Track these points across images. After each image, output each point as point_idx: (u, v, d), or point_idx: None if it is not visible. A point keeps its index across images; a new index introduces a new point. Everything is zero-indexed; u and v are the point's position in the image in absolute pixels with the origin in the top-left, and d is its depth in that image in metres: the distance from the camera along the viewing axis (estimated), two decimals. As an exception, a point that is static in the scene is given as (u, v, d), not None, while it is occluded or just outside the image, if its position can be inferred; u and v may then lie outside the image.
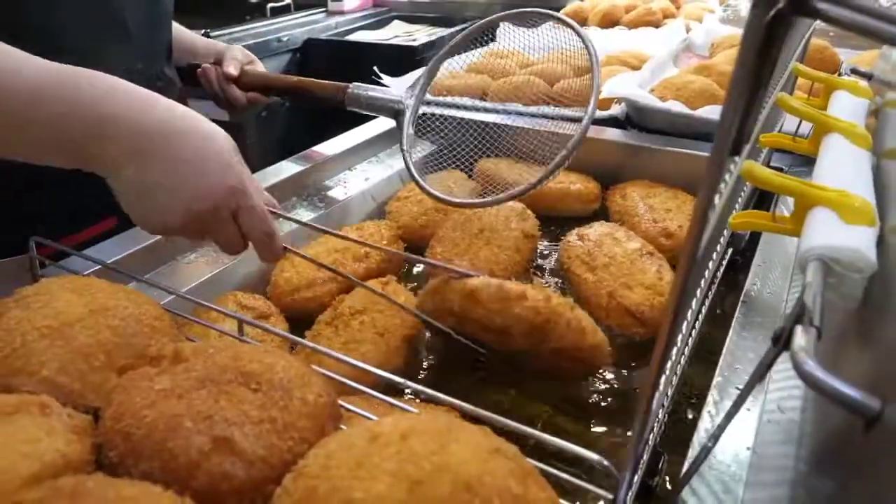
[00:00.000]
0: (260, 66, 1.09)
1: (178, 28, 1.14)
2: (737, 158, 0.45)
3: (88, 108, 0.53)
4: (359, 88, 0.90)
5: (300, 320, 0.75)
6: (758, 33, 0.28)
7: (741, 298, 0.72)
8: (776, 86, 0.69)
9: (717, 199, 0.39)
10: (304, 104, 1.02)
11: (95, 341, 0.47)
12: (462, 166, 0.98)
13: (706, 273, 0.63)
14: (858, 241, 0.43)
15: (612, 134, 1.14)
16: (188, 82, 1.08)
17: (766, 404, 0.58)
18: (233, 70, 1.03)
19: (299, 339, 0.52)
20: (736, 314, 0.69)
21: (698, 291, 0.63)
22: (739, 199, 0.71)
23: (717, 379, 0.60)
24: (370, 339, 0.63)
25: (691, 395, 0.69)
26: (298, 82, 0.98)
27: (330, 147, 1.11)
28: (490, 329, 0.57)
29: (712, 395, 0.58)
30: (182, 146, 0.55)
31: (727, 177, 0.42)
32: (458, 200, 0.78)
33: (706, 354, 0.75)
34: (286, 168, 1.03)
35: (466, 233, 0.81)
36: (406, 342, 0.65)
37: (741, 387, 0.59)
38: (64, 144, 0.53)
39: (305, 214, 0.95)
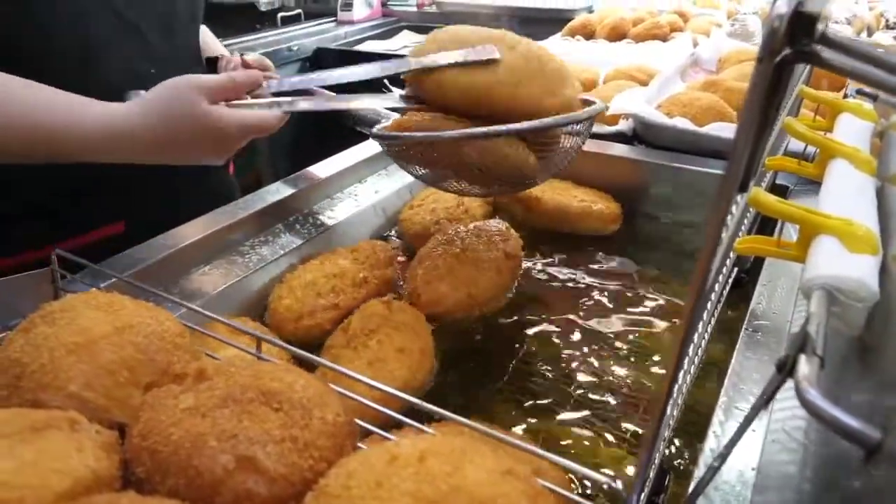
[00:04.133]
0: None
1: (210, 38, 1.16)
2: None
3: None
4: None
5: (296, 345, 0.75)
6: (764, 81, 0.29)
7: (746, 317, 0.74)
8: (783, 109, 0.70)
9: (724, 234, 0.41)
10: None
11: (120, 358, 0.48)
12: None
13: (712, 296, 0.64)
14: (861, 270, 0.45)
15: (622, 150, 1.15)
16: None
17: (771, 424, 0.59)
18: (252, 61, 1.04)
19: (324, 362, 0.53)
20: (741, 334, 0.70)
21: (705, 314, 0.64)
22: (745, 221, 0.73)
23: (721, 399, 0.61)
24: (393, 356, 0.64)
25: (697, 412, 0.70)
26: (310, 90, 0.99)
27: (339, 161, 1.13)
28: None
29: (717, 416, 0.59)
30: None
31: (733, 208, 0.43)
32: (451, 132, 0.69)
33: (711, 368, 0.77)
34: (294, 183, 1.05)
35: (448, 253, 0.81)
36: (425, 356, 0.67)
37: (746, 407, 0.60)
38: None
39: (315, 228, 0.97)
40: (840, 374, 0.52)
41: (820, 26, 0.30)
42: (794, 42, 0.29)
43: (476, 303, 0.77)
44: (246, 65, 1.04)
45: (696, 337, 0.58)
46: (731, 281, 0.82)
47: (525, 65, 0.70)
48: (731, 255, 0.68)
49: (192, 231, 0.87)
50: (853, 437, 0.33)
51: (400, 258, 0.97)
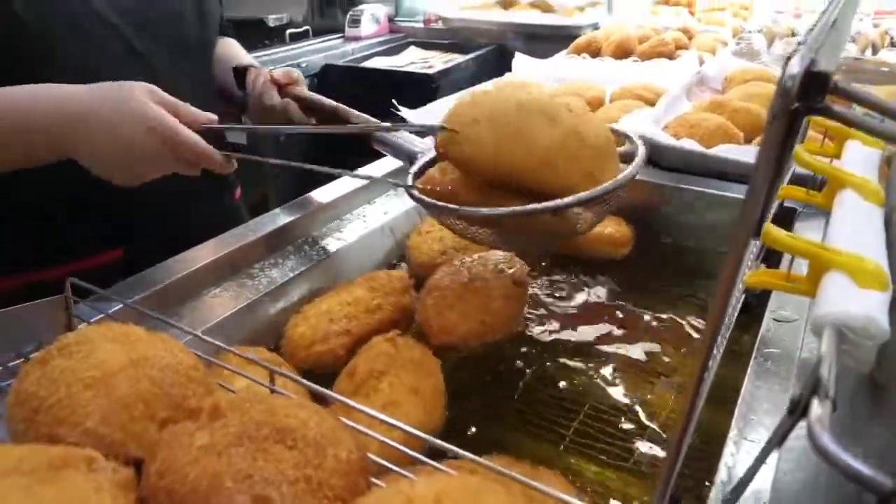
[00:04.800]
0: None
1: (236, 50, 1.18)
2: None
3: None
4: (387, 134, 0.91)
5: (311, 373, 0.75)
6: (778, 136, 0.30)
7: (756, 345, 0.74)
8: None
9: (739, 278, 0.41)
10: (330, 131, 1.02)
11: (136, 392, 0.49)
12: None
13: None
14: (871, 308, 0.45)
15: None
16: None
17: (784, 453, 0.59)
18: (280, 76, 1.05)
19: (345, 399, 0.53)
20: (751, 362, 0.71)
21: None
22: (754, 251, 0.73)
23: (732, 431, 0.61)
24: (406, 398, 0.64)
25: (707, 437, 0.70)
26: (338, 108, 0.99)
27: (347, 182, 1.13)
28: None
29: (728, 448, 0.59)
30: (103, 118, 0.74)
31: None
32: (485, 211, 0.68)
33: (721, 395, 0.77)
34: (302, 205, 1.05)
35: (456, 282, 0.81)
36: (438, 394, 0.67)
37: (757, 438, 0.60)
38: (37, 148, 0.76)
39: (324, 251, 0.97)
40: (851, 410, 0.52)
41: (831, 83, 0.31)
42: (807, 99, 0.29)
43: (488, 330, 0.77)
44: (274, 80, 1.04)
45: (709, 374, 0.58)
46: (739, 307, 0.82)
47: (561, 145, 0.65)
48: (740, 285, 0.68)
49: (201, 255, 0.88)
50: (866, 484, 0.33)
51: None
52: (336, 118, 0.97)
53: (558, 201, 0.65)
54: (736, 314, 0.80)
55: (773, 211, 0.67)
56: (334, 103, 0.99)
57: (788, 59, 0.29)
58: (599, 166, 0.67)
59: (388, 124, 0.92)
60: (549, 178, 0.65)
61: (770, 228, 0.52)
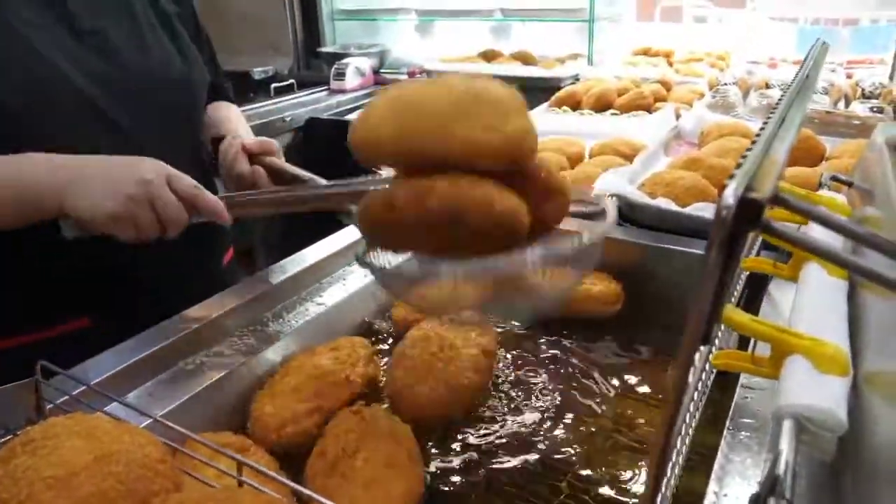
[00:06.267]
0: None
1: (225, 114, 1.20)
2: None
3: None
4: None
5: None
6: (717, 265, 0.30)
7: (730, 415, 0.74)
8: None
9: (690, 378, 0.42)
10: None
11: (99, 490, 0.48)
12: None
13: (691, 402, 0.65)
14: (830, 399, 0.45)
15: (618, 232, 1.16)
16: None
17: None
18: (252, 146, 1.06)
19: (319, 498, 0.52)
20: (724, 433, 0.71)
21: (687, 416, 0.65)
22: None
23: (709, 497, 0.61)
24: (384, 473, 0.63)
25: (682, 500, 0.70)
26: (306, 178, 1.01)
27: (328, 244, 1.14)
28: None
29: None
30: (104, 160, 0.84)
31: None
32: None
33: (701, 461, 0.76)
34: (282, 269, 1.05)
35: (425, 351, 0.81)
36: (414, 460, 0.67)
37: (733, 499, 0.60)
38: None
39: (302, 316, 0.97)
40: (816, 496, 0.52)
41: (768, 203, 0.32)
42: (743, 227, 0.30)
43: (457, 402, 0.77)
44: (245, 149, 1.06)
45: (673, 455, 0.58)
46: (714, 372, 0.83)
47: (456, 102, 0.60)
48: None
49: (172, 329, 0.87)
50: None
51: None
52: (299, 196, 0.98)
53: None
54: (712, 378, 0.81)
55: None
56: (306, 174, 1.00)
57: (724, 188, 0.30)
58: (501, 119, 0.60)
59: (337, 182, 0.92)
60: (450, 141, 0.59)
61: (732, 313, 0.53)
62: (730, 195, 0.29)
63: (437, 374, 0.77)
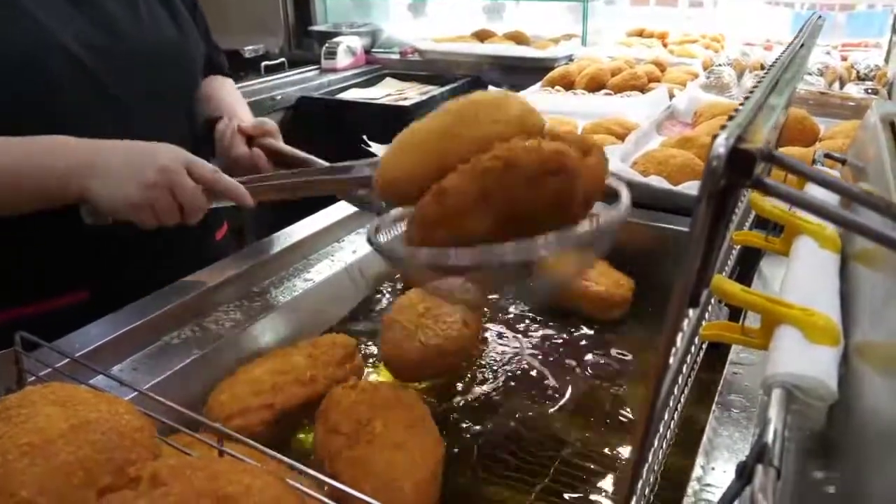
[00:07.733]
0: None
1: (220, 93, 1.18)
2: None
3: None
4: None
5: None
6: (706, 218, 0.29)
7: (719, 390, 0.73)
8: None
9: (678, 341, 0.41)
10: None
11: (76, 458, 0.47)
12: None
13: (680, 377, 0.64)
14: (820, 368, 0.45)
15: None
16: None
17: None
18: (249, 128, 1.05)
19: (318, 476, 0.51)
20: (713, 408, 0.70)
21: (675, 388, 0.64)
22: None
23: (693, 477, 0.61)
24: (409, 434, 0.63)
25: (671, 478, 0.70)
26: (307, 160, 1.00)
27: (317, 220, 1.13)
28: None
29: (692, 486, 0.59)
30: (123, 146, 0.83)
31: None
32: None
33: (689, 437, 0.76)
34: (270, 245, 1.04)
35: (413, 313, 0.81)
36: (427, 420, 0.67)
37: (718, 483, 0.60)
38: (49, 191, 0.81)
39: (290, 292, 0.96)
40: (804, 466, 0.52)
41: (760, 157, 0.31)
42: (735, 178, 0.29)
43: (451, 353, 0.78)
44: (242, 131, 1.04)
45: (661, 428, 0.58)
46: (704, 346, 0.82)
47: (459, 114, 0.63)
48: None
49: (159, 303, 0.86)
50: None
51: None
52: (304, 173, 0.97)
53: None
54: (702, 353, 0.81)
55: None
56: (304, 155, 0.99)
57: (715, 137, 0.29)
58: (501, 111, 0.63)
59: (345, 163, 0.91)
60: (464, 143, 0.61)
61: (721, 282, 0.52)
62: (721, 144, 0.28)
63: (427, 331, 0.77)
